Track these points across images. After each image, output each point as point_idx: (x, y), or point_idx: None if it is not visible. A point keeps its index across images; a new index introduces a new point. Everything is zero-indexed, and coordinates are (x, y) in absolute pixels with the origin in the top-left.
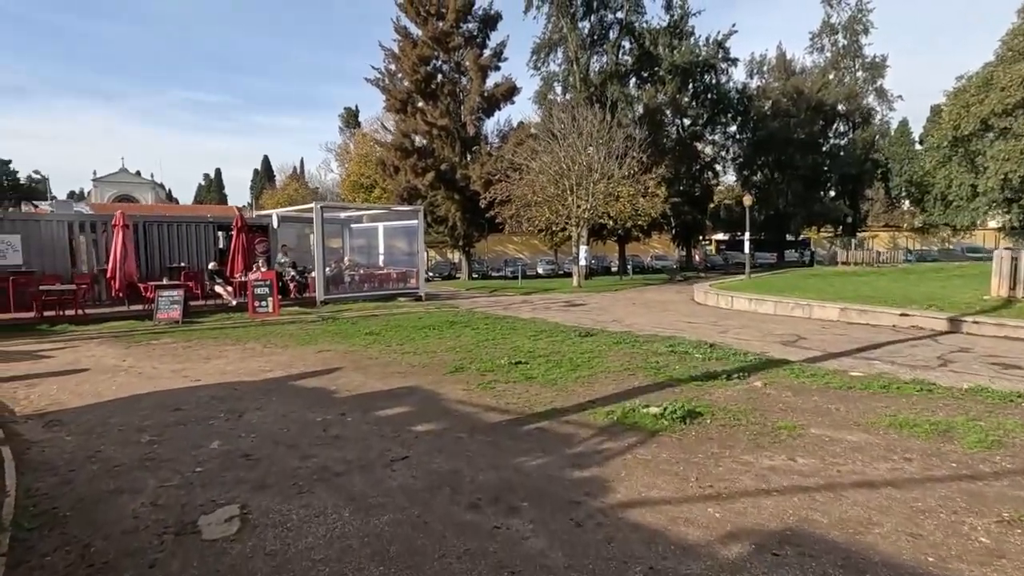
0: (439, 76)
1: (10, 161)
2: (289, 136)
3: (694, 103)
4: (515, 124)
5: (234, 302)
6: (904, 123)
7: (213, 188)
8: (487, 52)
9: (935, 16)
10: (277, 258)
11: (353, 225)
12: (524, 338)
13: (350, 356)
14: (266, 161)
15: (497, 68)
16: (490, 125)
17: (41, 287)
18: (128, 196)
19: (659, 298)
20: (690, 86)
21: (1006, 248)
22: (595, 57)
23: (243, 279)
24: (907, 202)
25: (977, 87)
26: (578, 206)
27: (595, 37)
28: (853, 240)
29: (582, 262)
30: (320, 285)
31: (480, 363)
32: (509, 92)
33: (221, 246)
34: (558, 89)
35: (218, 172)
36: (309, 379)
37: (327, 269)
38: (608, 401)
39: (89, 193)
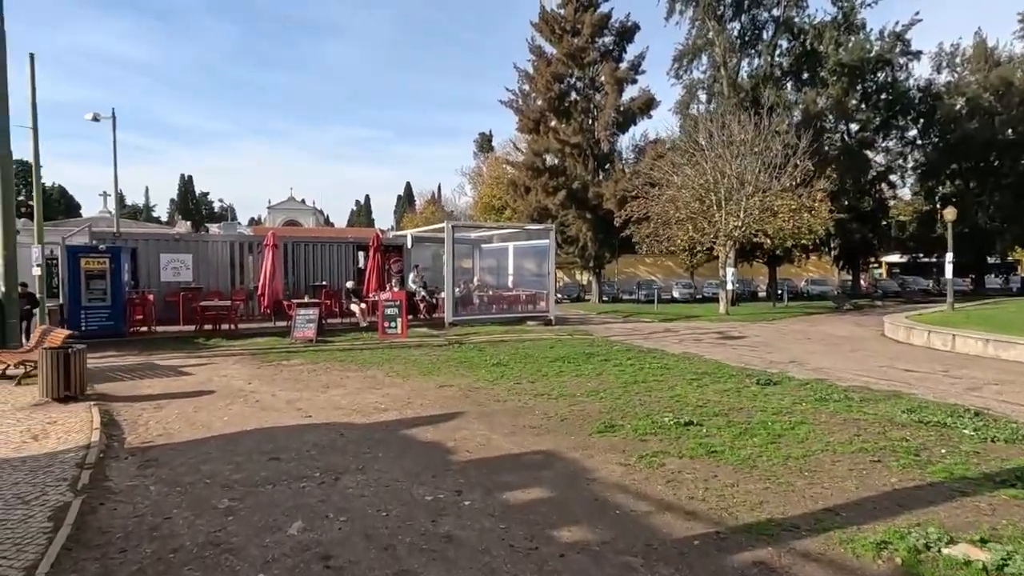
0: (572, 93)
1: (208, 193)
2: (429, 164)
3: (863, 105)
4: (651, 138)
5: (365, 322)
6: None
7: (363, 213)
8: (623, 65)
9: None
10: (409, 278)
11: (484, 246)
12: (684, 383)
13: (474, 395)
14: (408, 187)
15: (634, 81)
16: (625, 141)
17: (203, 303)
18: (294, 221)
19: (837, 332)
20: (859, 86)
21: None
22: (746, 60)
23: (376, 298)
24: None
25: None
26: (727, 223)
27: (746, 38)
28: None
29: (729, 286)
30: (449, 306)
31: (635, 419)
32: (646, 105)
33: (360, 266)
34: (702, 97)
35: (367, 199)
36: (424, 427)
37: (456, 290)
38: (859, 514)
39: (263, 218)
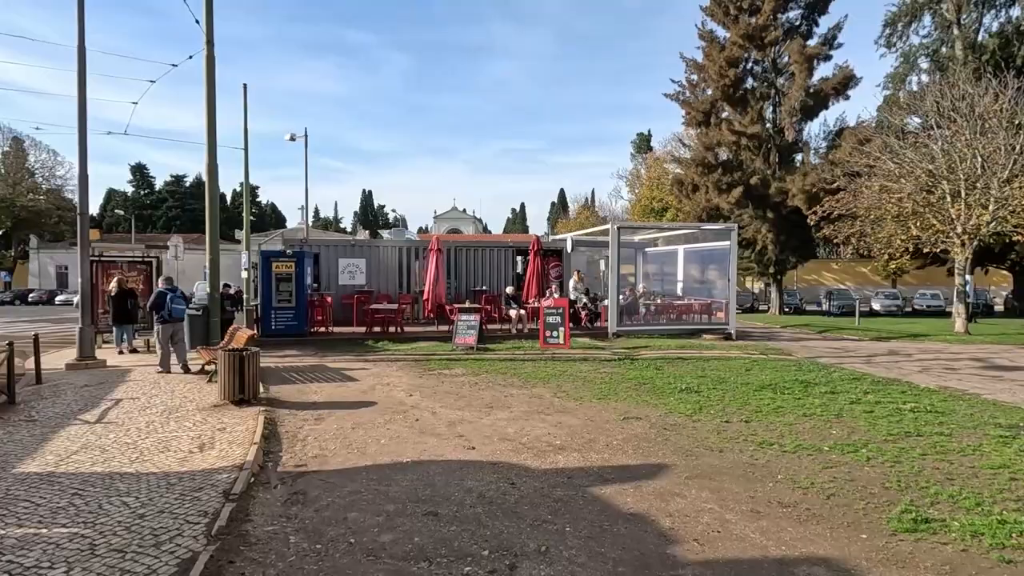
0: (749, 80)
1: (384, 205)
2: (582, 171)
3: None
4: (849, 122)
5: (526, 328)
6: None
7: (518, 220)
8: (813, 41)
9: None
10: (571, 284)
11: (647, 250)
12: (993, 442)
13: (673, 436)
14: (562, 194)
15: (827, 58)
16: (814, 128)
17: (373, 306)
18: (456, 229)
19: None
20: None
21: None
22: (990, 14)
23: (536, 305)
24: None
25: None
26: (968, 217)
27: None
28: None
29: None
30: (613, 315)
31: (955, 506)
32: (842, 84)
33: (519, 271)
34: (923, 65)
35: (522, 206)
36: (621, 485)
37: (621, 297)
38: None
39: (430, 227)
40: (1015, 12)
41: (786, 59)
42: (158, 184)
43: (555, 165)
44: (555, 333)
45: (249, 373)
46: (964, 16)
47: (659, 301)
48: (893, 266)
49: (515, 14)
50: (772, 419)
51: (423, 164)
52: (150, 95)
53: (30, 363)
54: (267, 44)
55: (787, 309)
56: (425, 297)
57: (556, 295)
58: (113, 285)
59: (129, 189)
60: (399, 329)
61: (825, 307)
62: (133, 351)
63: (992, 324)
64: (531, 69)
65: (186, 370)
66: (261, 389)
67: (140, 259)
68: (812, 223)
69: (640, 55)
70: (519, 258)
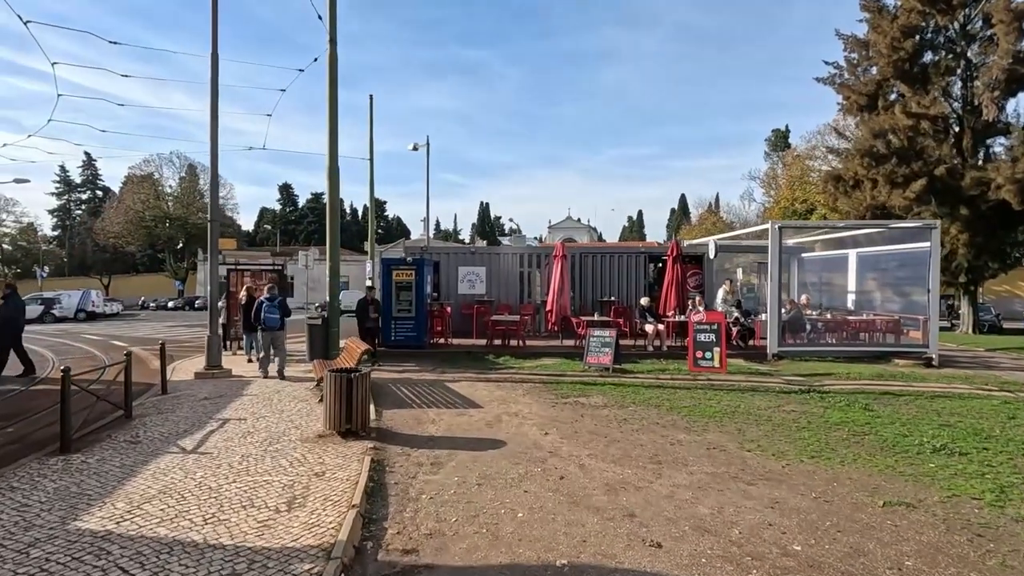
0: (928, 53)
1: (500, 217)
2: (703, 175)
3: None
4: None
5: (664, 346)
6: None
7: (635, 228)
8: None
9: None
10: (719, 295)
11: (804, 255)
12: None
13: (996, 552)
14: (682, 200)
15: None
16: (1021, 107)
17: (494, 317)
18: (571, 238)
19: None
20: None
21: None
22: None
23: (677, 319)
24: None
25: None
26: None
27: None
28: None
29: None
30: (774, 332)
31: None
32: None
33: (650, 279)
34: None
35: (639, 213)
36: None
37: (783, 311)
38: None
39: (544, 237)
40: None
41: (979, 24)
42: (301, 201)
43: (674, 170)
44: (708, 354)
45: (358, 398)
46: None
47: (828, 316)
48: None
49: (629, 18)
50: None
51: (537, 175)
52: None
53: (170, 368)
54: (392, 68)
55: (983, 326)
56: (548, 308)
57: (701, 308)
58: (243, 293)
59: (277, 207)
60: (521, 343)
61: None
62: (250, 361)
63: None
64: (646, 73)
65: (280, 376)
66: (372, 415)
67: (269, 267)
68: None
69: (765, 51)
70: (652, 266)
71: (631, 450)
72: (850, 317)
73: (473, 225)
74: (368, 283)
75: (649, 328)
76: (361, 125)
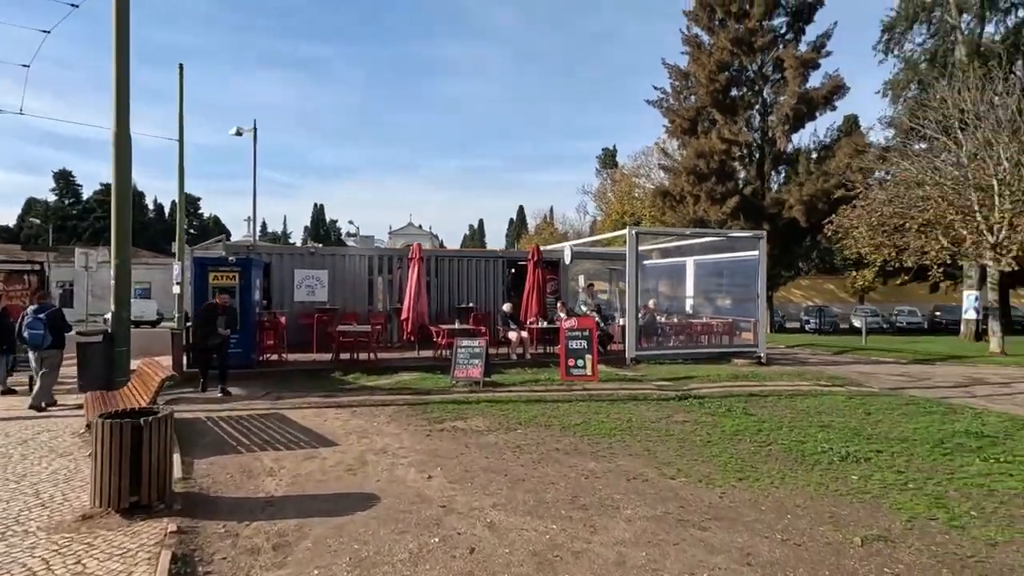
0: (734, 88)
1: (336, 220)
2: (540, 188)
3: None
4: (841, 131)
5: (527, 353)
6: None
7: (476, 237)
8: (802, 48)
9: None
10: (579, 300)
11: (646, 263)
12: None
13: None
14: (520, 211)
15: (817, 66)
16: (804, 139)
17: (340, 328)
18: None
19: None
20: None
21: None
22: (994, 20)
23: (540, 325)
24: None
25: None
26: (1002, 228)
27: None
28: None
29: (973, 314)
30: (631, 337)
31: None
32: (832, 93)
33: (507, 286)
34: (925, 70)
35: (480, 223)
36: None
37: (639, 316)
38: None
39: (385, 244)
40: (1013, 18)
41: (771, 68)
42: (86, 193)
43: (513, 183)
44: (580, 362)
45: (153, 455)
46: (967, 19)
47: (675, 321)
48: (861, 283)
49: (474, 32)
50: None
51: (378, 179)
52: (82, 101)
53: None
54: (214, 52)
55: (772, 328)
56: (404, 316)
57: (563, 314)
58: None
59: (52, 197)
60: (373, 356)
61: (815, 324)
62: (8, 392)
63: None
64: (486, 88)
65: (37, 408)
66: (178, 471)
67: (24, 267)
68: (826, 236)
69: (596, 76)
70: (512, 271)
71: (543, 492)
72: (693, 321)
73: (306, 228)
74: (217, 281)
75: (513, 335)
76: (170, 111)
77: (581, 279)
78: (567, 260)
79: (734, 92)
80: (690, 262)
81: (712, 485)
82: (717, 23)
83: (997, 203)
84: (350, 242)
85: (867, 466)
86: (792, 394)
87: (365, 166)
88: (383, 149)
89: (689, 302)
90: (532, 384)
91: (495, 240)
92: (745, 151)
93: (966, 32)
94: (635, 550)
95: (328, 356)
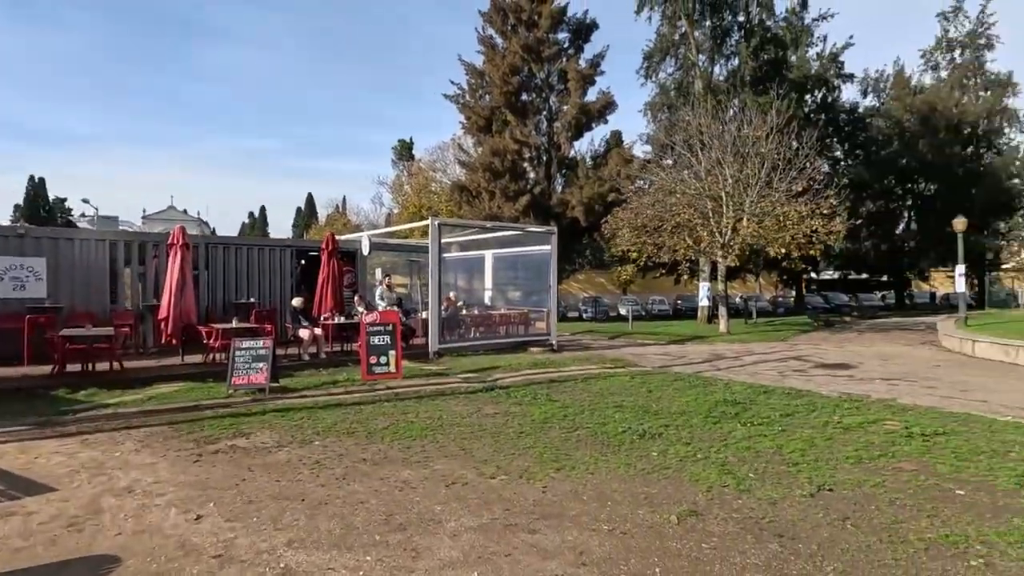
0: (524, 93)
1: (65, 199)
2: (331, 177)
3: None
4: (610, 143)
5: (322, 353)
6: None
7: (257, 226)
8: (583, 64)
9: None
10: (378, 294)
11: (444, 256)
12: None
13: (816, 563)
14: (310, 199)
15: (593, 82)
16: (583, 146)
17: (65, 331)
18: None
19: (906, 351)
20: (807, 102)
21: None
22: (720, 62)
23: (336, 321)
24: None
25: None
26: (727, 231)
27: (717, 41)
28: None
29: (704, 302)
30: (434, 331)
31: None
32: (605, 108)
33: (297, 279)
34: (674, 97)
35: (263, 210)
36: None
37: (441, 309)
38: None
39: (136, 229)
40: (734, 63)
41: (556, 78)
42: None
43: (301, 169)
44: (384, 359)
45: None
46: (703, 59)
47: (476, 313)
48: (625, 276)
49: None
50: (846, 476)
51: (130, 155)
52: None
53: None
54: None
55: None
56: (162, 315)
57: (361, 308)
58: None
59: None
60: (117, 366)
61: (592, 313)
62: None
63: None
64: (271, 61)
65: None
66: None
67: None
68: (602, 235)
69: (394, 66)
70: (303, 261)
71: (352, 516)
72: (492, 312)
73: (17, 207)
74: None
75: (304, 333)
76: None
77: (379, 272)
78: (365, 251)
79: (525, 96)
80: (488, 255)
81: (533, 480)
82: (510, 28)
83: (725, 211)
84: (83, 224)
85: (661, 441)
86: (586, 377)
87: (107, 137)
88: (132, 120)
89: (487, 294)
90: (330, 387)
91: (280, 230)
92: (535, 153)
93: (702, 69)
94: (465, 572)
95: (48, 369)
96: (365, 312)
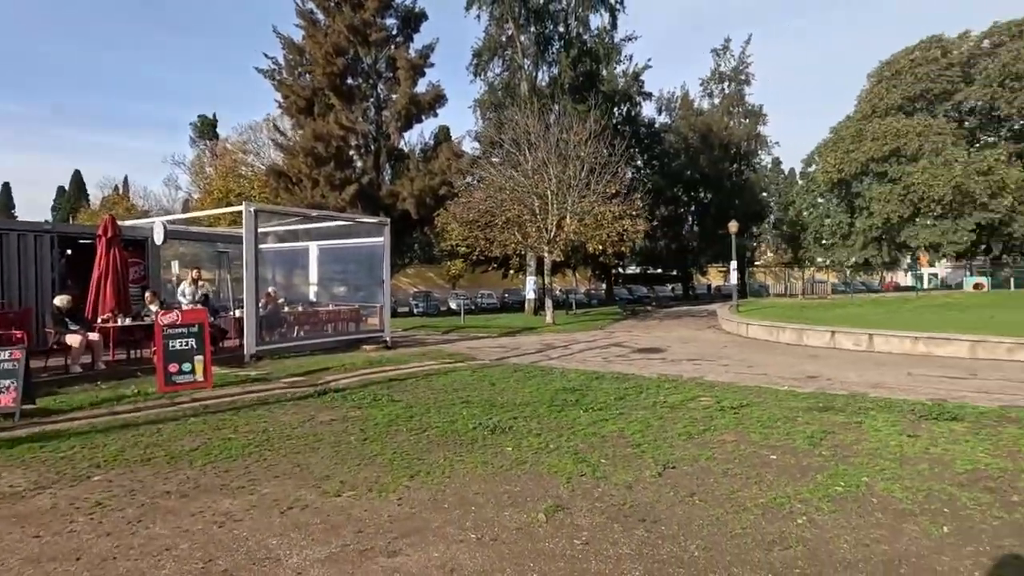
0: (350, 77)
1: None
2: (108, 153)
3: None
4: (439, 137)
5: (100, 363)
6: (777, 165)
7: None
8: (412, 53)
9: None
10: (179, 290)
11: (262, 247)
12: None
13: (681, 544)
14: (77, 176)
15: (423, 73)
16: (413, 138)
17: None
18: None
19: (707, 337)
20: (615, 114)
21: None
22: (543, 68)
23: (121, 322)
24: (780, 239)
25: (853, 136)
26: (552, 228)
27: (540, 47)
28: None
29: (531, 295)
30: (251, 331)
31: None
32: (435, 101)
33: (62, 272)
34: (501, 96)
35: (6, 187)
36: None
37: (259, 307)
38: None
39: None
40: (555, 70)
41: (385, 65)
42: None
43: (62, 142)
44: (187, 366)
45: None
46: (527, 63)
47: (300, 310)
48: (455, 271)
49: None
50: (700, 458)
51: None
52: None
53: None
54: None
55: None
56: None
57: (154, 307)
58: None
59: None
60: None
61: (423, 308)
62: None
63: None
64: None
65: None
66: None
67: None
68: (433, 229)
69: (190, 28)
70: (62, 252)
71: (154, 570)
72: (320, 309)
73: None
74: None
75: (73, 340)
76: None
77: (175, 264)
78: (159, 239)
79: (351, 81)
80: (313, 247)
81: (385, 492)
82: (333, 4)
83: (551, 209)
84: None
85: (513, 435)
86: (427, 374)
87: None
88: None
89: (313, 289)
90: (112, 404)
91: (33, 212)
92: (362, 141)
93: (527, 72)
94: None
95: None
96: (161, 312)
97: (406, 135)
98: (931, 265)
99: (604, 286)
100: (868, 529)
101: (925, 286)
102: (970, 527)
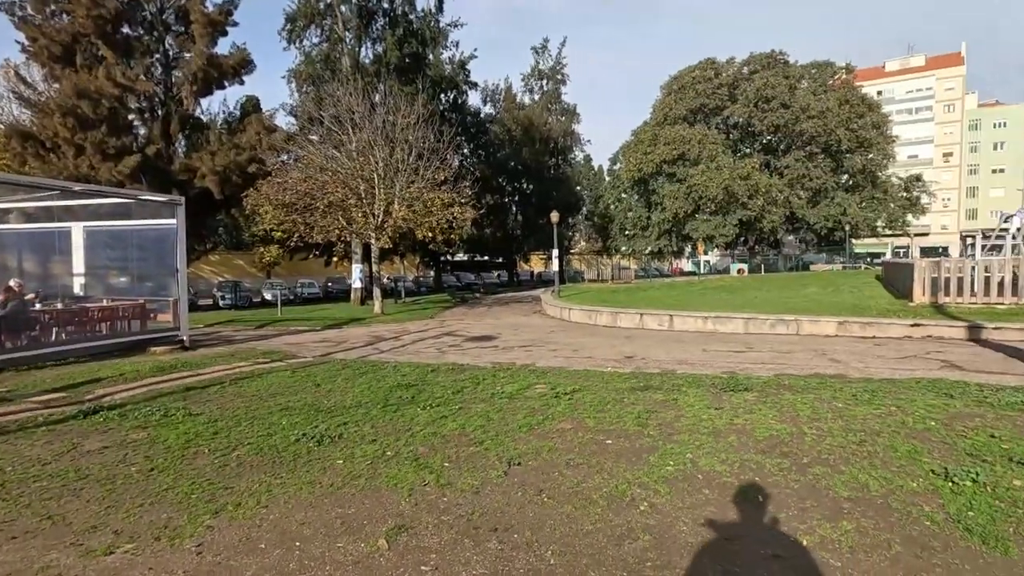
0: (133, 24)
1: None
2: None
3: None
4: (247, 107)
5: None
6: (588, 161)
7: None
8: (210, 7)
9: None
10: None
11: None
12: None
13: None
14: None
15: (225, 32)
16: (214, 106)
17: None
18: None
19: (535, 323)
20: (442, 100)
21: (930, 260)
22: (367, 44)
23: None
24: (591, 229)
25: (650, 140)
26: (380, 214)
27: (363, 20)
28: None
29: (357, 284)
30: None
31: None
32: (240, 66)
33: None
34: (320, 70)
35: None
36: None
37: None
38: None
39: None
40: (380, 48)
41: (174, 17)
42: None
43: None
44: None
45: None
46: (349, 36)
47: (60, 306)
48: (269, 258)
49: None
50: (545, 451)
51: None
52: None
53: None
54: None
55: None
56: None
57: None
58: None
59: None
60: None
61: (231, 300)
62: None
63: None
64: None
65: None
66: None
67: None
68: (242, 211)
69: None
70: None
71: None
72: (89, 305)
73: None
74: None
75: None
76: None
77: None
78: None
79: (128, 30)
80: (78, 228)
81: (180, 538)
82: None
83: (378, 194)
84: None
85: (344, 444)
86: (236, 379)
87: None
88: None
89: (79, 281)
90: None
91: None
92: (146, 104)
93: (349, 47)
94: None
95: None
96: None
97: (204, 102)
98: (705, 254)
99: (433, 273)
100: (701, 508)
101: (702, 271)
102: (777, 493)
